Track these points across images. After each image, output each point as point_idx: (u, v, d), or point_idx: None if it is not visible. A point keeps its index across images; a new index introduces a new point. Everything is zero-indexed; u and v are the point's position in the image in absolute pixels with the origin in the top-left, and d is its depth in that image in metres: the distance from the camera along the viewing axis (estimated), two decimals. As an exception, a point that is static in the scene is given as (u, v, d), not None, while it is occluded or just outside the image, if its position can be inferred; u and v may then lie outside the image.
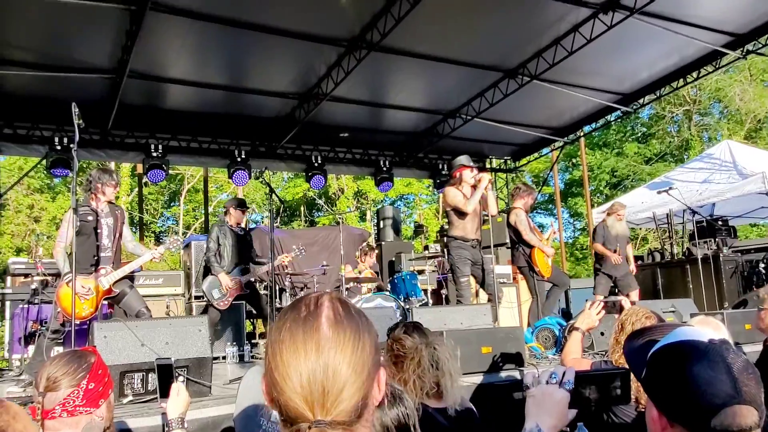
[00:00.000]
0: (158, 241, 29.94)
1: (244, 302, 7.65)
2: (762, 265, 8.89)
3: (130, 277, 5.60)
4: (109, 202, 5.63)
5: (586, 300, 3.87)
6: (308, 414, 0.93)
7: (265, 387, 1.01)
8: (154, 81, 8.36)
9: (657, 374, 1.13)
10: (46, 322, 6.73)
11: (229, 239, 7.10)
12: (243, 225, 7.36)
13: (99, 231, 5.40)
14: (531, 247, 7.21)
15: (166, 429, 2.29)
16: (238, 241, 7.16)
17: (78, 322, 4.77)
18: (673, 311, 5.98)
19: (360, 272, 9.10)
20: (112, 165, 21.61)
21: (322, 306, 1.02)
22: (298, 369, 0.95)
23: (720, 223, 10.00)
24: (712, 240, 9.59)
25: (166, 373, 2.51)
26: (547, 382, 1.44)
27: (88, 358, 2.09)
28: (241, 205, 7.43)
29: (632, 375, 1.33)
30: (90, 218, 5.36)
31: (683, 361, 1.09)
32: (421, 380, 2.40)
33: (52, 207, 23.57)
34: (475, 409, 2.67)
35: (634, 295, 7.94)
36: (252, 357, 7.27)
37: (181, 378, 3.59)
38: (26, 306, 6.88)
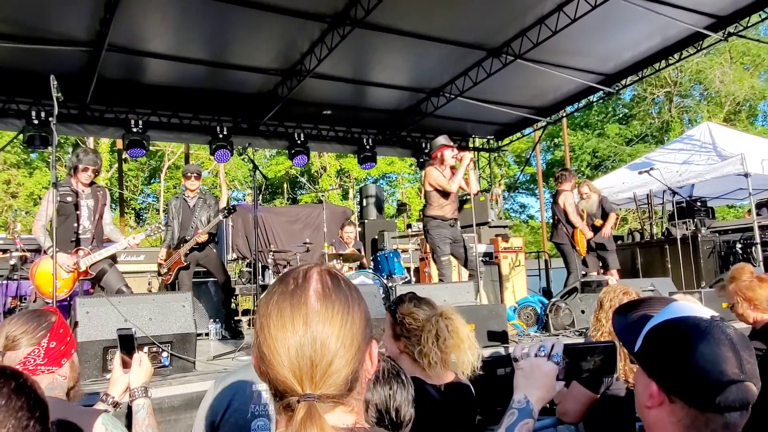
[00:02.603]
0: (138, 217, 29.68)
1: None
2: (739, 246, 9.04)
3: (111, 256, 5.54)
4: (92, 183, 5.55)
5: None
6: (297, 387, 0.92)
7: (255, 361, 0.99)
8: (133, 55, 8.19)
9: (658, 351, 1.13)
10: (25, 298, 6.67)
11: (178, 209, 6.68)
12: (193, 191, 6.69)
13: (78, 212, 5.35)
14: (574, 227, 7.91)
15: (130, 398, 2.29)
16: (184, 210, 6.66)
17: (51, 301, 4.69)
18: (652, 290, 6.07)
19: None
20: (91, 141, 21.36)
21: (310, 279, 0.99)
22: (285, 343, 0.93)
23: (699, 203, 10.11)
24: (691, 220, 9.71)
25: (128, 344, 2.49)
26: (536, 355, 1.45)
27: (48, 317, 2.05)
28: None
29: (623, 349, 1.34)
30: (69, 199, 5.30)
31: (687, 338, 1.10)
32: (440, 351, 2.35)
33: (29, 182, 23.24)
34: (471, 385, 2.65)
35: (614, 273, 8.07)
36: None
37: (147, 349, 3.60)
38: (5, 282, 6.81)
